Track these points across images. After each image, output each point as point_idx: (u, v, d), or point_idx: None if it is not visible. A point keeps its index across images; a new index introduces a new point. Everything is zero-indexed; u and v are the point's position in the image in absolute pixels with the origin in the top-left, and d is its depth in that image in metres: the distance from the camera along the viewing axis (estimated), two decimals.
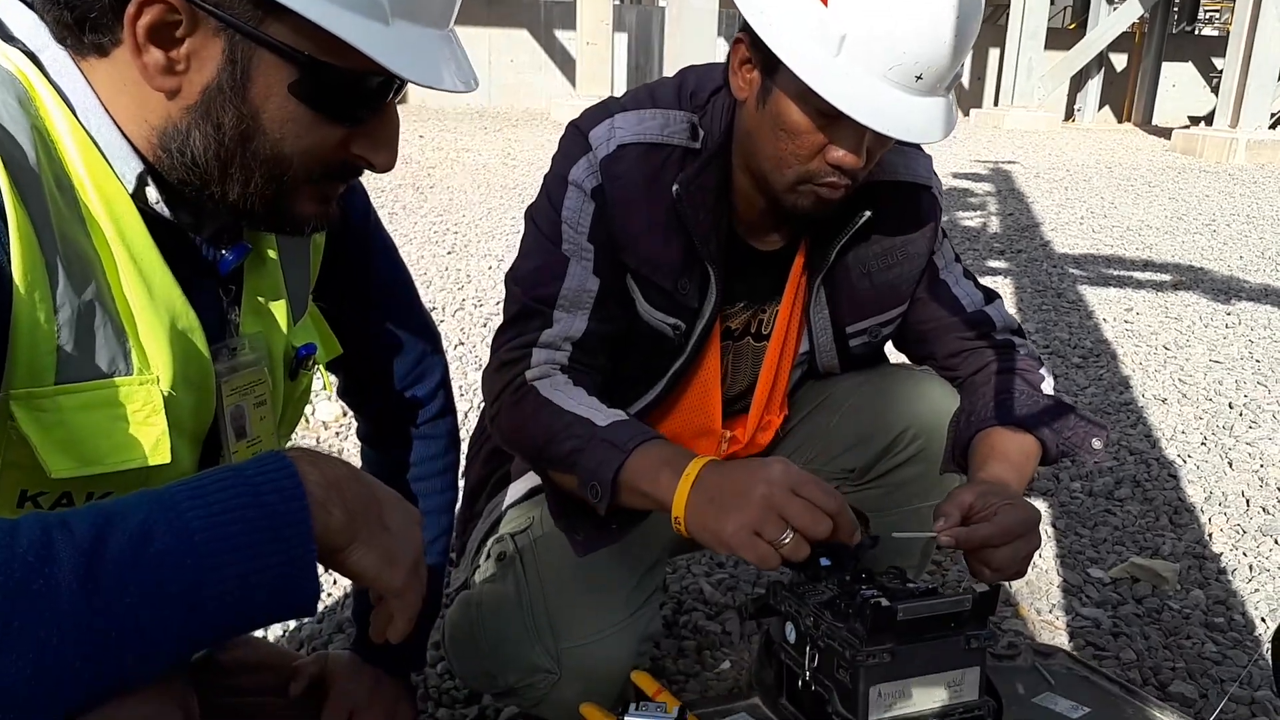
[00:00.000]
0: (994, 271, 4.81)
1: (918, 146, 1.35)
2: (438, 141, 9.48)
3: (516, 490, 1.41)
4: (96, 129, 0.77)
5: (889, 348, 1.51)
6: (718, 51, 10.06)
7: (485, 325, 3.66)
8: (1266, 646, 1.85)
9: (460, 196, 6.45)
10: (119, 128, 0.78)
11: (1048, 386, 1.34)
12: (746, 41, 1.15)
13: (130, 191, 0.78)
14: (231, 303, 0.91)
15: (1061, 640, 1.87)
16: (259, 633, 1.76)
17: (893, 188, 1.32)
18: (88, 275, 0.74)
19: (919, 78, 1.07)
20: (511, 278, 1.30)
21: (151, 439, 0.77)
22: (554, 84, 14.16)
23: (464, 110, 13.10)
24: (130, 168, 0.78)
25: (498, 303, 4.01)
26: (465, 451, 1.60)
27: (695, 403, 1.39)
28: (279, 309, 0.95)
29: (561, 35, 14.13)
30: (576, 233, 1.23)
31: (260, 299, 0.93)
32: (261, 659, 1.21)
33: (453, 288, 4.19)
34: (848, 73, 1.05)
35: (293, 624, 1.83)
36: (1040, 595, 2.01)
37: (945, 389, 1.40)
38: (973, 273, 1.45)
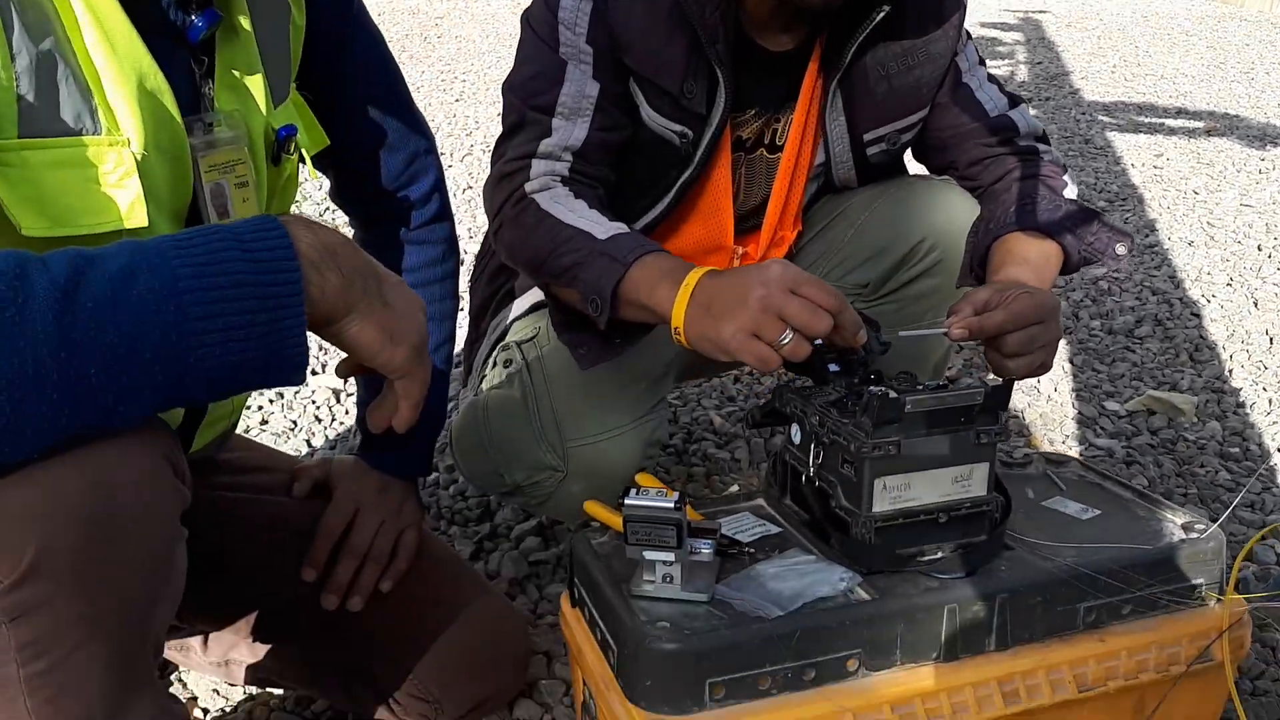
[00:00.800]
0: None
1: None
2: None
3: (521, 304, 1.38)
4: None
5: (910, 161, 1.45)
6: None
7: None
8: None
9: (468, 46, 6.25)
10: None
11: (1071, 192, 1.28)
12: None
13: None
14: (204, 75, 0.86)
15: None
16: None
17: None
18: (45, 27, 0.70)
19: None
20: (508, 86, 1.24)
21: (126, 202, 0.74)
22: None
23: None
24: None
25: None
26: (469, 275, 1.57)
27: (706, 217, 1.34)
28: (256, 86, 0.90)
29: None
30: (574, 34, 1.17)
31: (235, 73, 0.88)
32: (264, 461, 1.21)
33: (461, 134, 4.09)
34: None
35: (304, 448, 1.84)
36: (1054, 427, 1.99)
37: (964, 198, 1.34)
38: (998, 77, 1.37)
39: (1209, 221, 3.25)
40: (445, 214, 1.24)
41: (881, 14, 1.20)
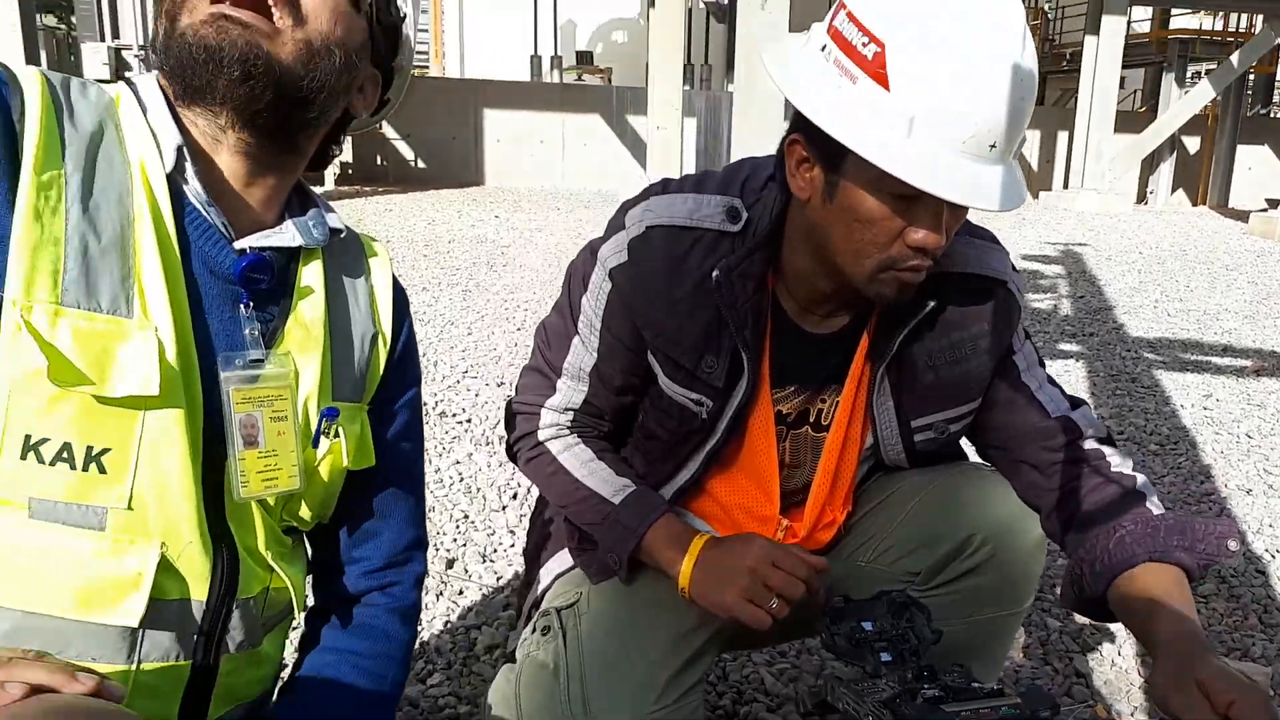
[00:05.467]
0: (1065, 355, 4.72)
1: (994, 242, 1.33)
2: (512, 221, 9.71)
3: (562, 561, 1.41)
4: (154, 116, 0.86)
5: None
6: None
7: None
8: None
9: (531, 275, 6.58)
10: (176, 117, 0.86)
11: (1155, 500, 1.24)
12: (802, 141, 1.14)
13: (167, 169, 0.85)
14: (250, 319, 0.91)
15: None
16: None
17: (963, 280, 1.28)
18: (112, 224, 0.80)
19: (992, 146, 1.05)
20: (540, 327, 1.37)
21: (144, 372, 0.79)
22: (624, 166, 14.44)
23: (538, 192, 13.41)
24: (169, 142, 0.85)
25: None
26: (528, 517, 1.60)
27: (747, 488, 1.37)
28: (308, 360, 0.94)
29: (633, 119, 14.45)
30: (593, 310, 1.26)
31: (295, 337, 0.94)
32: None
33: (520, 363, 4.24)
34: (922, 152, 1.03)
35: None
36: (1120, 696, 1.92)
37: (1011, 495, 1.34)
38: (1057, 381, 1.38)
39: (1265, 469, 3.21)
40: (415, 613, 1.16)
41: (928, 309, 1.24)
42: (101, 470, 0.80)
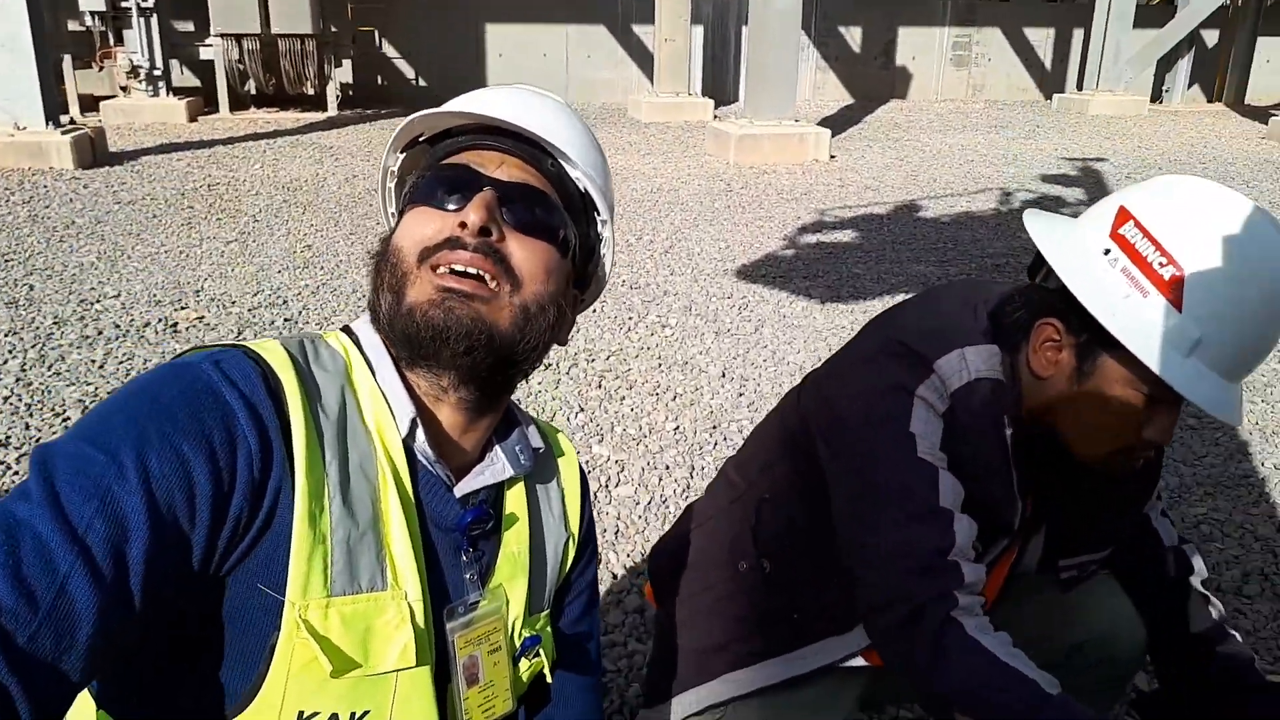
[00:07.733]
0: None
1: None
2: None
3: (696, 699, 1.42)
4: (384, 380, 0.91)
5: None
6: (802, 55, 9.95)
7: (600, 385, 3.73)
8: None
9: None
10: (402, 377, 0.91)
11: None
12: (1058, 327, 1.19)
13: (402, 435, 0.90)
14: (469, 564, 0.96)
15: None
16: None
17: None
18: (365, 503, 0.86)
19: (1245, 372, 1.15)
20: (886, 493, 1.20)
21: (403, 643, 0.86)
22: (630, 79, 14.16)
23: None
24: (404, 413, 0.90)
25: (609, 356, 4.07)
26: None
27: None
28: (515, 592, 1.01)
29: (639, 30, 14.10)
30: (930, 444, 1.20)
31: (506, 569, 1.00)
32: None
33: None
34: (1195, 370, 1.11)
35: None
36: None
37: (1126, 603, 1.46)
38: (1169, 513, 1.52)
39: None
40: None
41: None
42: None
